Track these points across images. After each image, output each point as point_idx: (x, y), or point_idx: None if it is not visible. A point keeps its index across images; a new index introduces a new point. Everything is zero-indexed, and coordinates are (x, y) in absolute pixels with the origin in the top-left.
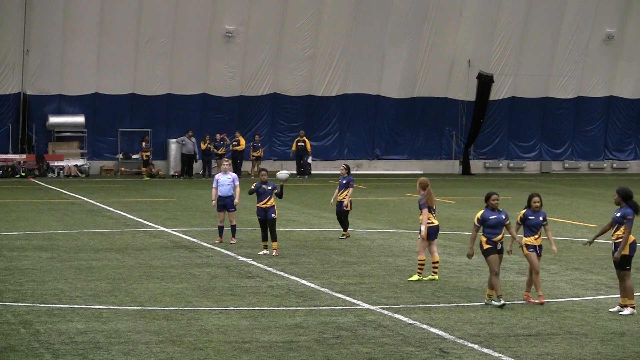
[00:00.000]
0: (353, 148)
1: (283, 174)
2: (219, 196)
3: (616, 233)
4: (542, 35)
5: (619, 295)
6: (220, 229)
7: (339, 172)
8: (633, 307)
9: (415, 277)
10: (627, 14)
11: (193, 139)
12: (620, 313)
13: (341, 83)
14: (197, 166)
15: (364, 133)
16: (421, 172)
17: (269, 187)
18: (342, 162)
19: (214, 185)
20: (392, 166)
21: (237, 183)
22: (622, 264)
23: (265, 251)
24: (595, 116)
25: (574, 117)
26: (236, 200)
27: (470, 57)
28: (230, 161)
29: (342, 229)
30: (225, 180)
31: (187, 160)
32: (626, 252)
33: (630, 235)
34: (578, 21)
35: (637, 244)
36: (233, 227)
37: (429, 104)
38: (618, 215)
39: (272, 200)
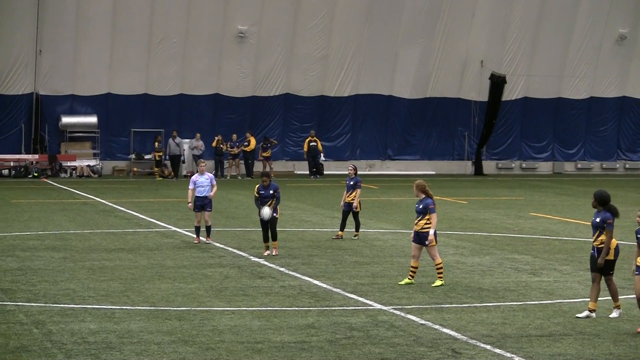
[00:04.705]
0: (365, 148)
1: (266, 212)
2: (197, 197)
3: (599, 238)
4: (554, 36)
5: (627, 296)
6: (197, 229)
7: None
8: (618, 308)
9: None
10: (639, 14)
11: (177, 140)
12: (610, 316)
13: (353, 83)
14: (209, 166)
15: (377, 133)
16: (433, 172)
17: (270, 191)
18: (355, 162)
19: (190, 186)
20: (405, 167)
21: (214, 183)
22: (606, 269)
23: (268, 251)
24: (607, 117)
25: (586, 118)
26: (211, 194)
27: (482, 58)
28: (205, 163)
29: (346, 229)
30: (203, 181)
31: (172, 162)
32: (611, 257)
33: (613, 240)
34: (590, 22)
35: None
36: (208, 228)
37: (442, 105)
38: (598, 220)
39: (274, 201)
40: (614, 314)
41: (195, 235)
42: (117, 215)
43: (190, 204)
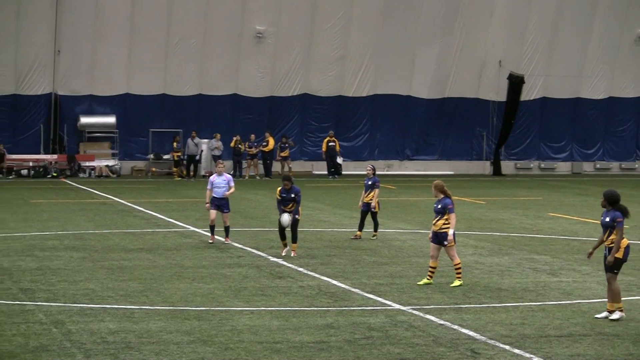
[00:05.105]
0: (384, 148)
1: (285, 220)
2: (214, 197)
3: (610, 238)
4: (573, 36)
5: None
6: (212, 228)
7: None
8: (621, 311)
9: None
10: None
11: (196, 140)
12: (610, 318)
13: (371, 83)
14: (227, 166)
15: (395, 133)
16: (452, 172)
17: (292, 194)
18: (373, 162)
19: (208, 187)
20: (423, 167)
21: (232, 184)
22: (612, 267)
23: (286, 249)
24: (626, 117)
25: (605, 118)
26: (227, 193)
27: (501, 58)
28: (224, 163)
29: (363, 229)
30: (220, 182)
31: (190, 161)
32: (620, 255)
33: (624, 239)
34: (609, 21)
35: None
36: (227, 228)
37: (460, 105)
38: (607, 219)
39: (294, 205)
40: (615, 315)
41: (210, 235)
42: (135, 215)
43: (207, 205)
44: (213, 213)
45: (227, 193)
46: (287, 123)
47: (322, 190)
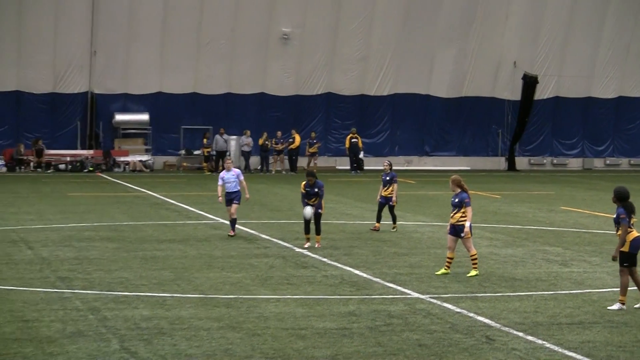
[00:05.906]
0: (404, 145)
1: (308, 212)
2: (227, 192)
3: (618, 233)
4: (584, 38)
5: None
6: (233, 222)
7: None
8: (622, 303)
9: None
10: None
11: (225, 136)
12: (608, 308)
13: (392, 83)
14: (255, 161)
15: (414, 131)
16: (468, 168)
17: (315, 189)
18: (393, 158)
19: (219, 182)
20: (441, 162)
21: (242, 178)
22: (621, 261)
23: (309, 243)
24: (636, 115)
25: (615, 116)
26: (247, 195)
27: (515, 59)
28: (231, 159)
29: (381, 221)
30: (230, 177)
31: (219, 156)
32: (626, 249)
33: (633, 232)
34: (619, 24)
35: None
36: (234, 220)
37: (476, 104)
38: (615, 215)
39: (317, 199)
40: (615, 306)
41: (230, 229)
42: (167, 208)
43: (220, 198)
44: (230, 207)
45: (247, 195)
46: (312, 121)
47: (345, 184)
